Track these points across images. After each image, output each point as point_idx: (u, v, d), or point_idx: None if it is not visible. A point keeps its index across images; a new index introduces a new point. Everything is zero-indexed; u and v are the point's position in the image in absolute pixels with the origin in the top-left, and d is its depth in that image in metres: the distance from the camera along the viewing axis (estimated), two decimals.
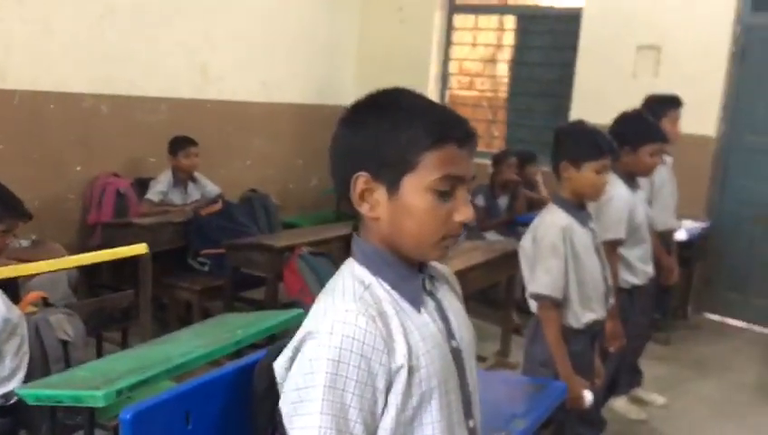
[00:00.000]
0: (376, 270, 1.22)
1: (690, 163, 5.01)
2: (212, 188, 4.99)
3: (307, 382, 1.10)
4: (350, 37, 6.93)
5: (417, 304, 1.22)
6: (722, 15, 5.51)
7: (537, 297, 2.54)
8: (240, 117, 5.93)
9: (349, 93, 6.96)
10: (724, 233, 5.65)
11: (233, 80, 5.81)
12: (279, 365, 1.20)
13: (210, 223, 4.57)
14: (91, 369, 2.39)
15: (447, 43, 6.84)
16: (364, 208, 1.21)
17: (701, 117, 5.31)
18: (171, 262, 4.57)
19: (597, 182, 2.53)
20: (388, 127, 1.17)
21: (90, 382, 2.17)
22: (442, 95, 6.87)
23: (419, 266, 1.26)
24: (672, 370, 4.59)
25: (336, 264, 4.25)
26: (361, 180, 1.19)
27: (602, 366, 2.81)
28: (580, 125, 2.63)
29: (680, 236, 4.58)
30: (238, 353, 2.75)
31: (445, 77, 6.89)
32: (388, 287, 1.21)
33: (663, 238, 3.92)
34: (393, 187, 1.17)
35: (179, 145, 4.79)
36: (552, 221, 2.54)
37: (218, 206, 4.68)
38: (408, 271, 1.23)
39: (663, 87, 4.49)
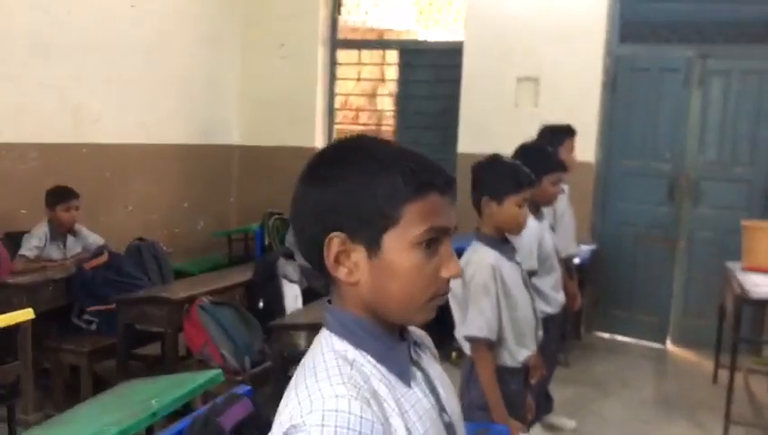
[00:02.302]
0: (358, 343, 1.08)
1: (574, 189, 5.16)
2: (94, 239, 4.64)
3: None
4: (231, 75, 6.74)
5: (406, 377, 1.10)
6: (593, 47, 5.80)
7: (471, 340, 2.48)
8: (119, 160, 5.59)
9: (233, 132, 6.78)
10: (608, 254, 5.90)
11: (110, 121, 5.47)
12: None
13: (96, 277, 4.22)
14: None
15: (332, 78, 6.80)
16: (341, 273, 1.07)
17: (581, 144, 5.44)
18: (53, 323, 4.19)
19: (518, 215, 2.52)
20: (362, 179, 1.05)
21: None
22: (329, 130, 6.81)
23: (401, 333, 1.15)
24: (576, 391, 4.69)
25: (240, 312, 4.00)
26: (336, 242, 1.05)
27: (532, 400, 2.78)
28: (498, 160, 2.62)
29: (575, 260, 4.71)
30: (150, 428, 2.51)
31: (331, 112, 6.83)
32: (375, 362, 1.07)
33: (564, 264, 4.00)
34: (373, 246, 1.05)
35: (59, 197, 4.42)
36: (479, 260, 2.49)
37: (104, 258, 4.33)
38: (393, 341, 1.11)
39: (543, 117, 4.65)
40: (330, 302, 1.14)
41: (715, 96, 5.61)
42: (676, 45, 5.67)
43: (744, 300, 4.06)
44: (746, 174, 5.56)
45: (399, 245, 1.05)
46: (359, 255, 1.06)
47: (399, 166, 1.05)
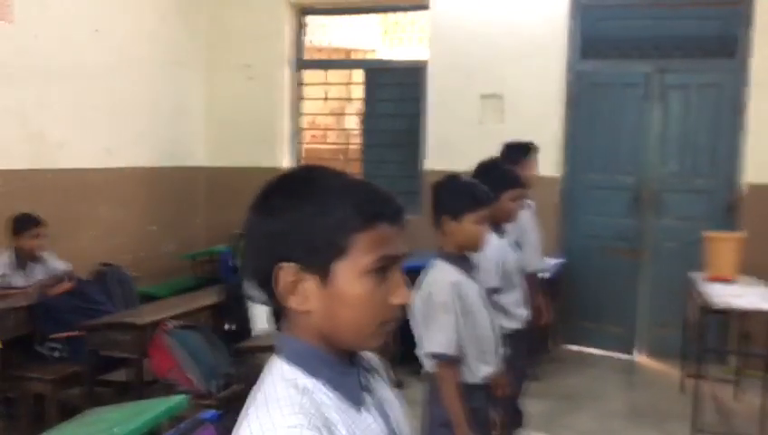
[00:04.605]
0: (310, 370, 1.08)
1: (541, 203, 5.21)
2: (59, 265, 4.58)
3: None
4: (196, 97, 6.73)
5: (357, 403, 1.11)
6: (555, 64, 5.90)
7: (434, 357, 2.50)
8: (84, 185, 5.54)
9: (200, 154, 6.76)
10: (576, 266, 5.95)
11: (74, 147, 5.43)
12: None
13: (60, 304, 4.18)
14: None
15: (298, 98, 6.81)
16: (293, 302, 1.08)
17: (545, 159, 5.55)
18: (16, 351, 4.12)
19: (478, 233, 2.55)
20: (312, 210, 1.06)
21: None
22: (297, 150, 6.82)
23: (351, 359, 1.16)
24: (547, 405, 4.71)
25: (207, 335, 3.97)
26: (288, 271, 1.07)
27: (500, 415, 2.80)
28: (455, 178, 2.65)
29: (543, 274, 4.76)
30: None
31: (298, 132, 6.84)
32: (326, 389, 1.08)
33: (533, 279, 4.03)
34: (324, 275, 1.06)
35: (24, 225, 4.37)
36: (440, 278, 2.52)
37: (68, 284, 4.29)
38: (344, 367, 1.12)
39: (508, 133, 4.70)
40: (279, 329, 1.15)
41: (675, 109, 5.73)
42: (635, 61, 5.78)
43: (706, 310, 4.13)
44: (707, 185, 5.67)
45: (349, 273, 1.06)
46: (310, 284, 1.07)
47: (349, 196, 1.07)
